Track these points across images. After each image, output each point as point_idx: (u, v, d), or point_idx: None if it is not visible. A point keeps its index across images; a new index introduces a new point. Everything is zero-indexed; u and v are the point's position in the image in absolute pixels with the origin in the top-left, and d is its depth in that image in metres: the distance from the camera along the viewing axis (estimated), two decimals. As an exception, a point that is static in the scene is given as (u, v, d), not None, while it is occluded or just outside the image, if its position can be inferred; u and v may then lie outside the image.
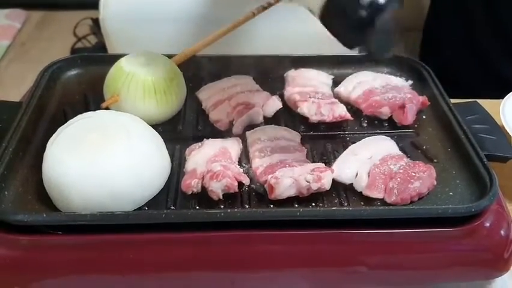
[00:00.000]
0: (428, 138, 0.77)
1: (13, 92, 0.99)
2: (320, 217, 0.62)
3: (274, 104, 0.80)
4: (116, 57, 0.79)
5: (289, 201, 0.65)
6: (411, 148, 0.76)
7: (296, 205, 0.65)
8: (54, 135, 0.67)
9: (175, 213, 0.63)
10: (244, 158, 0.73)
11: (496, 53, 1.25)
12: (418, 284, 0.68)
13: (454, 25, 1.29)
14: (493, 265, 0.65)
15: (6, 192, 0.64)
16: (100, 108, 0.75)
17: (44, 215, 0.61)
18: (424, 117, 0.81)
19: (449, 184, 0.68)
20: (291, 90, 0.83)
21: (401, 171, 0.68)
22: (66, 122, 0.69)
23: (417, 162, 0.70)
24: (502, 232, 0.64)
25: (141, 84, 0.75)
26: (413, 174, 0.67)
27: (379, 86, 0.83)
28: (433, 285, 0.68)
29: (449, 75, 1.24)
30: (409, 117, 0.78)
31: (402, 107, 0.79)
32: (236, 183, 0.65)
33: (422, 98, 0.81)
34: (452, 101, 0.80)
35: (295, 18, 1.13)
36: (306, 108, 0.78)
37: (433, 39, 1.39)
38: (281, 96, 0.83)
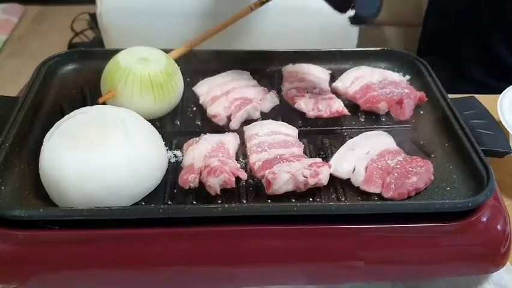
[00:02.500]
0: (426, 134, 0.77)
1: (10, 87, 0.98)
2: (317, 212, 0.62)
3: (271, 100, 0.80)
4: (114, 52, 0.79)
5: (286, 196, 0.65)
6: (409, 143, 0.76)
7: (293, 200, 0.65)
8: (51, 130, 0.67)
9: (172, 208, 0.63)
10: (242, 153, 0.73)
11: (498, 42, 1.25)
12: (415, 279, 0.68)
13: (455, 14, 1.30)
14: (490, 260, 0.65)
15: (3, 188, 0.64)
16: (97, 103, 0.75)
17: (41, 210, 0.61)
18: (422, 112, 0.81)
19: (446, 179, 0.69)
20: (289, 86, 0.83)
21: (398, 166, 0.68)
22: (63, 117, 0.69)
23: (415, 157, 0.70)
24: (499, 227, 0.64)
25: (138, 79, 0.74)
26: (410, 169, 0.67)
27: (376, 81, 0.83)
28: (430, 280, 0.69)
29: (451, 65, 1.25)
30: (406, 113, 0.79)
31: (400, 102, 0.79)
32: (234, 179, 0.65)
33: (420, 94, 0.81)
34: (450, 96, 0.80)
35: (293, 13, 1.13)
36: (303, 104, 0.78)
37: (434, 29, 1.39)
38: (279, 92, 0.83)
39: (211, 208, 0.62)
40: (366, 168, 0.69)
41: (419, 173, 0.67)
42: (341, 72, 0.87)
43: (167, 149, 0.72)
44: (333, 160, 0.70)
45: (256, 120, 0.78)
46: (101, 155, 0.62)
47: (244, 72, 0.87)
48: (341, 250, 0.62)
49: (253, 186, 0.68)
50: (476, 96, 0.83)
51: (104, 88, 0.77)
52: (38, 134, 0.71)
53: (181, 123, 0.79)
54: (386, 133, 0.76)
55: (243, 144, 0.74)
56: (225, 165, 0.65)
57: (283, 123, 0.77)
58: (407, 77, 0.88)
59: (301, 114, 0.79)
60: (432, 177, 0.68)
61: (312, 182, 0.64)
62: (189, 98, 0.83)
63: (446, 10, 1.33)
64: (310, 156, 0.72)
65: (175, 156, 0.72)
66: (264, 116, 0.80)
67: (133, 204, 0.64)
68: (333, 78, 0.87)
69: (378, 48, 0.92)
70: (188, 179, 0.65)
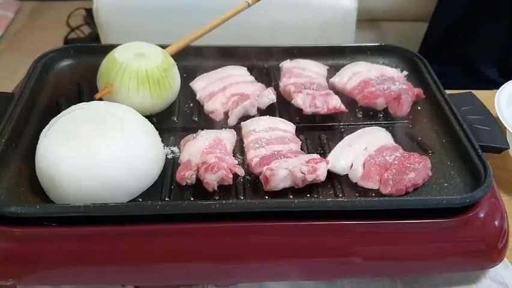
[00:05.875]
0: (423, 130, 0.77)
1: (5, 83, 0.98)
2: (314, 208, 0.62)
3: (268, 96, 0.80)
4: (110, 48, 0.79)
5: (284, 192, 0.65)
6: (407, 139, 0.76)
7: (291, 196, 0.65)
8: (47, 126, 0.66)
9: (169, 205, 0.63)
10: (239, 149, 0.73)
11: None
12: (413, 275, 0.69)
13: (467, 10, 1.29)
14: (487, 255, 0.65)
15: (-1, 184, 0.64)
16: (93, 99, 0.74)
17: (38, 207, 0.61)
18: (419, 108, 0.81)
19: (444, 175, 0.69)
20: (286, 81, 0.82)
21: (396, 162, 0.68)
22: (59, 113, 0.68)
23: (412, 153, 0.70)
24: (496, 223, 0.64)
25: (135, 74, 0.74)
26: (408, 165, 0.67)
27: (374, 77, 0.83)
28: (428, 276, 0.69)
29: (456, 61, 1.24)
30: (404, 109, 0.78)
31: (398, 98, 0.79)
32: (231, 175, 0.65)
33: (417, 90, 0.81)
34: (447, 91, 0.80)
35: (290, 8, 1.13)
36: (300, 100, 0.78)
37: (444, 24, 1.39)
38: (276, 87, 0.83)
39: (208, 204, 0.62)
40: (364, 164, 0.68)
41: (417, 169, 0.67)
42: (339, 67, 0.87)
43: (164, 145, 0.72)
44: (330, 156, 0.70)
45: (253, 116, 0.78)
46: (97, 152, 0.62)
47: (241, 68, 0.86)
48: (338, 246, 0.62)
49: (250, 183, 0.67)
50: (474, 91, 0.83)
51: (101, 84, 0.76)
52: (34, 130, 0.71)
53: (178, 119, 0.79)
54: (383, 129, 0.76)
55: (240, 140, 0.74)
56: (222, 162, 0.65)
57: (280, 119, 0.77)
58: (405, 72, 0.87)
59: (299, 110, 0.78)
60: (430, 173, 0.68)
61: (309, 178, 0.64)
62: (186, 93, 0.82)
63: (462, 4, 1.32)
64: (308, 153, 0.72)
65: (172, 152, 0.72)
66: (262, 112, 0.79)
67: (130, 201, 0.64)
68: (331, 73, 0.87)
69: (376, 44, 0.92)
70: (185, 175, 0.65)
